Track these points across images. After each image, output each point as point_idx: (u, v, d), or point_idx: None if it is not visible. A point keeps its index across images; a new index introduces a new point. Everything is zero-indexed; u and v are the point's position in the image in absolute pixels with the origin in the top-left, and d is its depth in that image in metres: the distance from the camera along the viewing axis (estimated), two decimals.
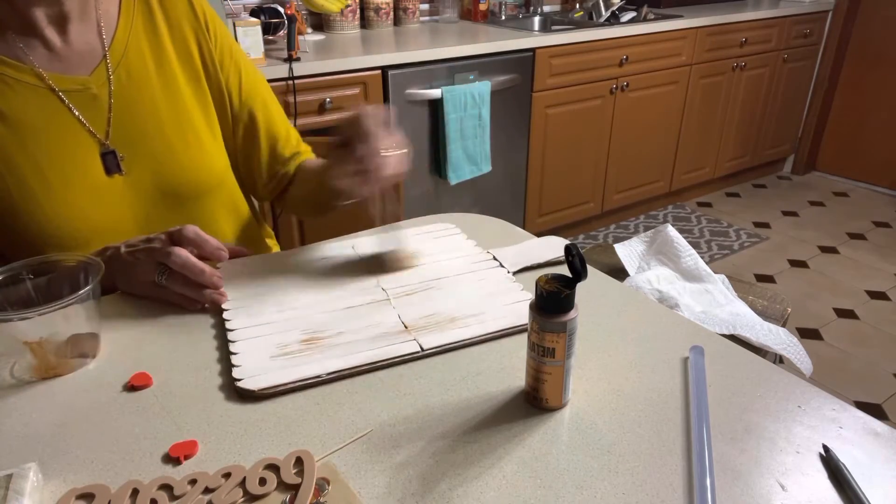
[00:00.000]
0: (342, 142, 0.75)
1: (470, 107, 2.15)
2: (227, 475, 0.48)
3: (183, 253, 0.67)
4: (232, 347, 0.62)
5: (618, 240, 2.31)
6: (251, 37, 1.81)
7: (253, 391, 0.56)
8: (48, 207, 0.75)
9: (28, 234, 0.75)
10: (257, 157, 0.92)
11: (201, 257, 0.70)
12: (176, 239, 0.69)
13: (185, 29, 0.84)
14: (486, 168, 2.29)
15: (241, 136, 0.90)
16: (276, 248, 1.02)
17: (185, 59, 0.84)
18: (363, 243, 0.83)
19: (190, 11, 0.84)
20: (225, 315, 0.68)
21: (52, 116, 0.75)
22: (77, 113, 0.76)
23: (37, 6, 0.73)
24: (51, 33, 0.76)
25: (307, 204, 0.96)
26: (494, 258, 0.79)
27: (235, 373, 0.59)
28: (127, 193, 0.80)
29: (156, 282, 0.69)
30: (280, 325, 0.66)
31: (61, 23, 0.76)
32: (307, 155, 0.97)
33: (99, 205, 0.78)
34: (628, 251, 1.26)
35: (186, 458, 0.50)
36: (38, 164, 0.74)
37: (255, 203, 1.02)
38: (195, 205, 0.85)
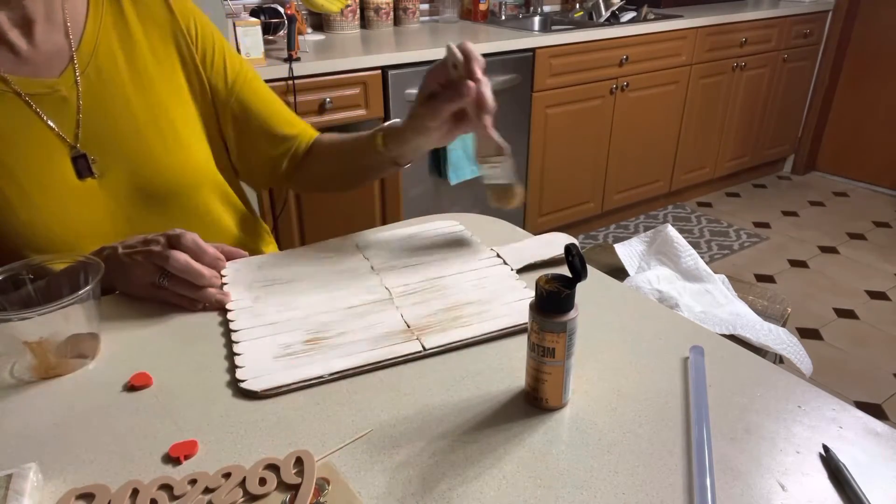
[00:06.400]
0: (428, 93, 0.73)
1: None
2: (227, 475, 0.48)
3: (182, 257, 0.67)
4: (236, 348, 0.62)
5: (618, 240, 2.31)
6: (251, 37, 1.81)
7: (257, 392, 0.56)
8: (23, 213, 0.74)
9: (6, 240, 0.74)
10: (254, 143, 0.91)
11: None
12: (174, 243, 0.69)
13: (162, 26, 0.83)
14: None
15: (231, 125, 0.90)
16: (272, 246, 1.02)
17: (161, 57, 0.83)
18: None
19: (165, 9, 0.83)
20: (229, 316, 0.68)
21: (20, 122, 0.74)
22: (45, 117, 0.75)
23: None
24: (15, 36, 0.74)
25: (334, 179, 0.95)
26: (498, 255, 0.79)
27: (239, 374, 0.59)
28: (102, 196, 0.79)
29: (156, 283, 0.68)
30: (283, 326, 0.66)
31: (26, 25, 0.74)
32: (314, 133, 0.96)
33: (74, 209, 0.77)
34: (628, 251, 1.26)
35: (186, 458, 0.50)
36: (9, 170, 0.73)
37: (253, 199, 1.01)
38: (176, 204, 0.83)
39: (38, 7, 0.74)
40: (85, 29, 0.79)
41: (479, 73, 0.70)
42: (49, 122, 0.76)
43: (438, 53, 2.16)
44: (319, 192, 0.99)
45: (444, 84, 0.72)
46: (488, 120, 0.72)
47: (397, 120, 0.82)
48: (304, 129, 0.95)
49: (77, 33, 0.78)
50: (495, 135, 0.73)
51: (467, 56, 0.70)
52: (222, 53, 0.88)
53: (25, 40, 0.75)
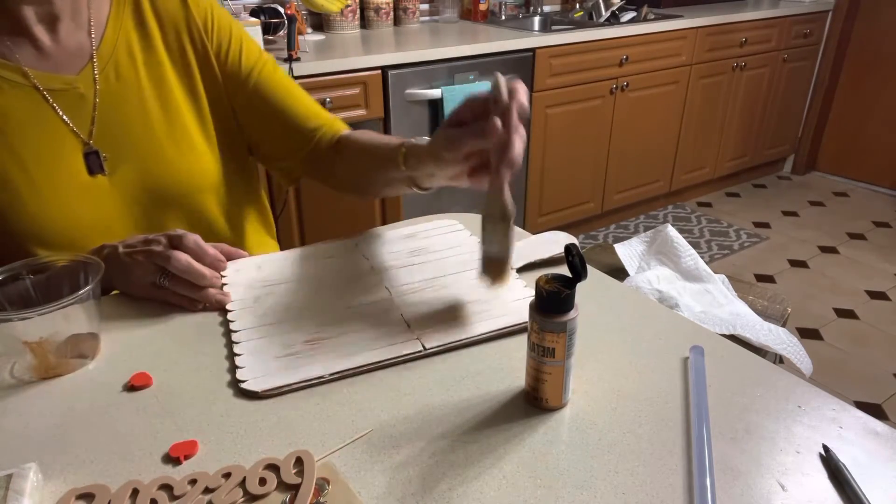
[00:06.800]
0: (457, 121, 0.65)
1: None
2: (227, 475, 0.48)
3: (183, 257, 0.67)
4: (236, 349, 0.62)
5: (618, 240, 2.31)
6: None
7: (258, 392, 0.56)
8: (32, 206, 0.74)
9: (13, 231, 0.75)
10: (275, 133, 0.90)
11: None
12: (176, 244, 0.69)
13: (179, 27, 0.83)
14: None
15: (250, 116, 0.89)
16: (275, 249, 1.02)
17: (178, 58, 0.83)
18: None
19: (182, 8, 0.83)
20: (229, 316, 0.68)
21: (36, 115, 0.75)
22: (61, 112, 0.76)
23: (27, 4, 0.73)
24: (40, 32, 0.75)
25: (356, 182, 0.91)
26: None
27: (240, 374, 0.59)
28: (112, 193, 0.79)
29: (156, 283, 0.69)
30: (284, 326, 0.66)
31: (51, 22, 0.76)
32: (341, 127, 0.93)
33: (83, 204, 0.77)
34: (628, 251, 1.26)
35: (186, 458, 0.50)
36: (22, 162, 0.74)
37: (265, 201, 1.01)
38: (185, 205, 0.84)
39: (65, 5, 0.76)
40: (106, 29, 0.80)
41: (515, 119, 0.61)
42: (64, 118, 0.77)
43: (438, 53, 2.16)
44: (345, 192, 0.93)
45: (478, 116, 0.63)
46: (506, 174, 0.62)
47: (426, 138, 0.74)
48: (329, 122, 0.93)
49: (99, 33, 0.79)
50: (507, 194, 0.64)
51: (512, 96, 0.61)
52: (238, 44, 0.87)
53: (49, 36, 0.76)
